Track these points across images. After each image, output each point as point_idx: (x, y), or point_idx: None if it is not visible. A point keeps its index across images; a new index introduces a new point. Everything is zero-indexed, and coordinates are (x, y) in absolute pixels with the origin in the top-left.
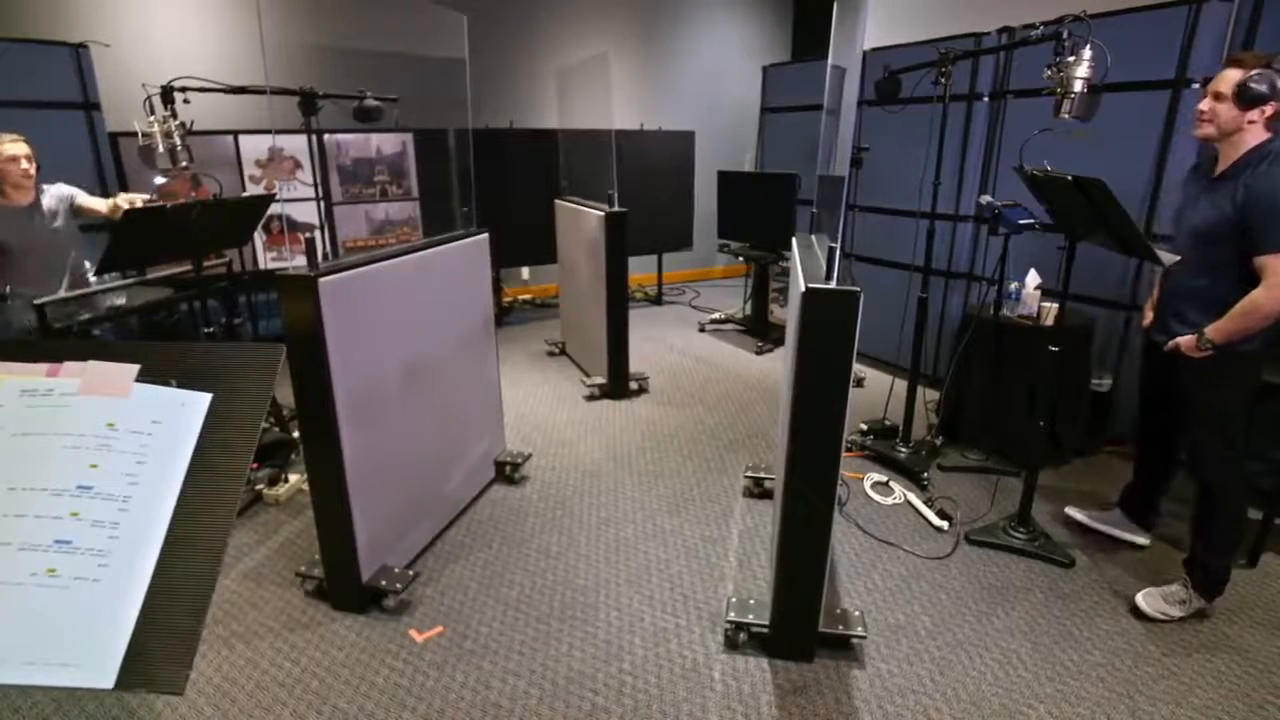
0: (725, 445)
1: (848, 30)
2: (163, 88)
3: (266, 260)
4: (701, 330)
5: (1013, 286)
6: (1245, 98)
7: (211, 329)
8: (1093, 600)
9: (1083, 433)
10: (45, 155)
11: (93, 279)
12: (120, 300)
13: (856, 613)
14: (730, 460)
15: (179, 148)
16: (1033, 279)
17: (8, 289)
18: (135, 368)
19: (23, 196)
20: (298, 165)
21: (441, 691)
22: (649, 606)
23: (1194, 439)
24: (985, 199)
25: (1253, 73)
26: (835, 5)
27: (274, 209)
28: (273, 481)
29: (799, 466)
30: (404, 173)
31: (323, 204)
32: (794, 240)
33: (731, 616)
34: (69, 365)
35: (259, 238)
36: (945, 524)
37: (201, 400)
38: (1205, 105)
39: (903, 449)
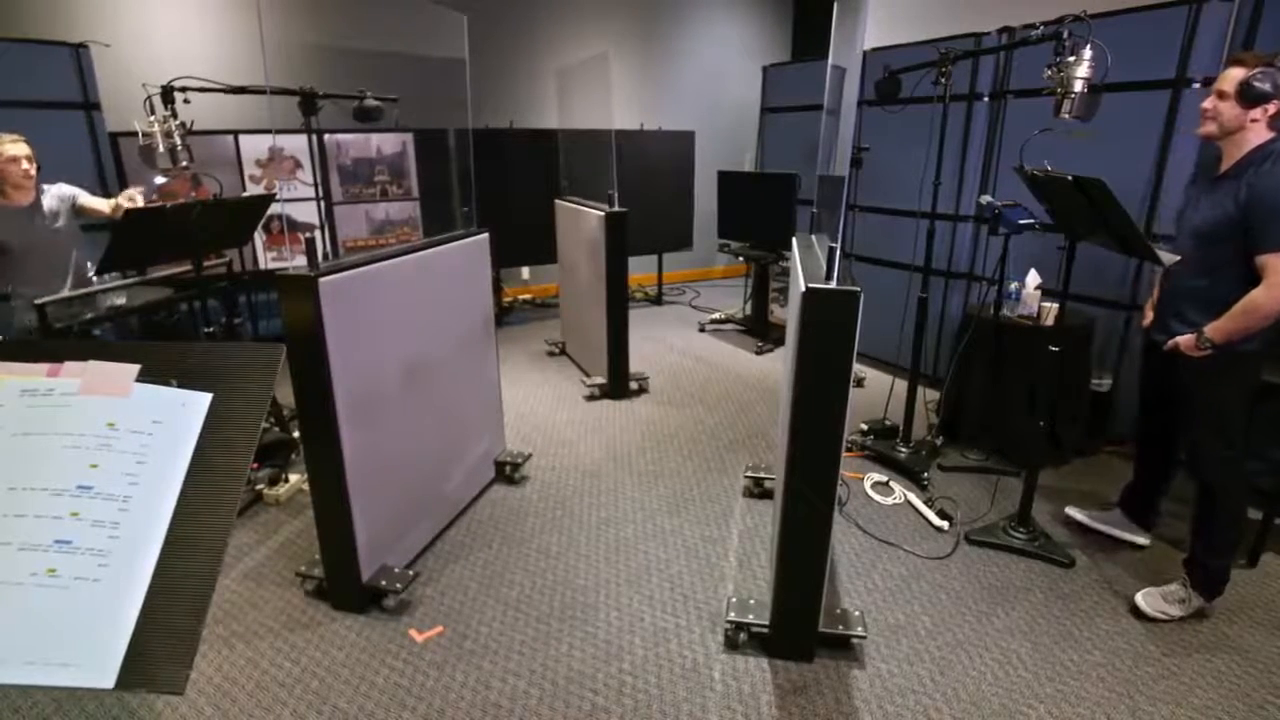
0: (725, 445)
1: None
2: (163, 87)
3: (267, 260)
4: (701, 330)
5: (1013, 286)
6: (1248, 96)
7: (212, 329)
8: (1093, 600)
9: (1083, 433)
10: (46, 155)
11: (94, 279)
12: (121, 300)
13: (856, 613)
14: (730, 460)
15: (179, 147)
16: (1033, 279)
17: (10, 289)
18: (136, 368)
19: (23, 197)
20: (298, 165)
21: (441, 691)
22: (649, 606)
23: (1194, 439)
24: (985, 199)
25: (1255, 71)
26: (835, 5)
27: (274, 209)
28: (273, 481)
29: (799, 466)
30: (404, 173)
31: (323, 204)
32: (794, 240)
33: (731, 616)
34: (69, 365)
35: (259, 238)
36: (945, 524)
37: (202, 400)
38: (1208, 104)
39: (903, 449)
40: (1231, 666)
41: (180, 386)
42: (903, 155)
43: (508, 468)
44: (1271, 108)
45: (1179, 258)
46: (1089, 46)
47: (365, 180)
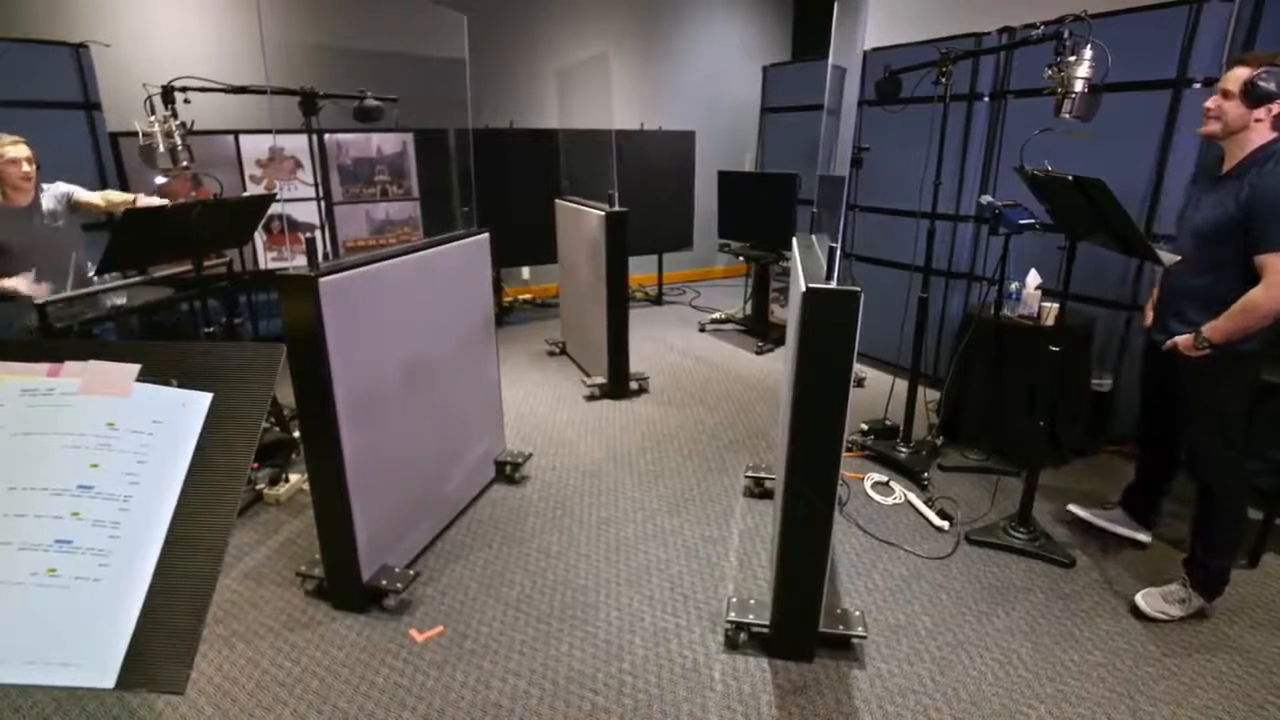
0: (725, 445)
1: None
2: (163, 87)
3: (267, 260)
4: (702, 330)
5: (1013, 286)
6: (1253, 95)
7: (212, 329)
8: (1093, 600)
9: (1083, 433)
10: (46, 155)
11: (94, 279)
12: (121, 300)
13: (857, 613)
14: (730, 460)
15: (179, 147)
16: (1033, 279)
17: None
18: (136, 367)
19: (23, 198)
20: (298, 165)
21: (442, 691)
22: (649, 606)
23: (1193, 439)
24: (986, 199)
25: (1260, 70)
26: (835, 5)
27: (274, 209)
28: (273, 481)
29: (799, 466)
30: (404, 172)
31: (323, 204)
32: (794, 240)
33: (732, 616)
34: (70, 365)
35: (259, 237)
36: (946, 524)
37: (202, 400)
38: (1212, 103)
39: (903, 449)
40: (1232, 667)
41: (181, 386)
42: (903, 155)
43: (508, 467)
44: (1275, 107)
45: (1179, 258)
46: (1089, 46)
47: (365, 180)
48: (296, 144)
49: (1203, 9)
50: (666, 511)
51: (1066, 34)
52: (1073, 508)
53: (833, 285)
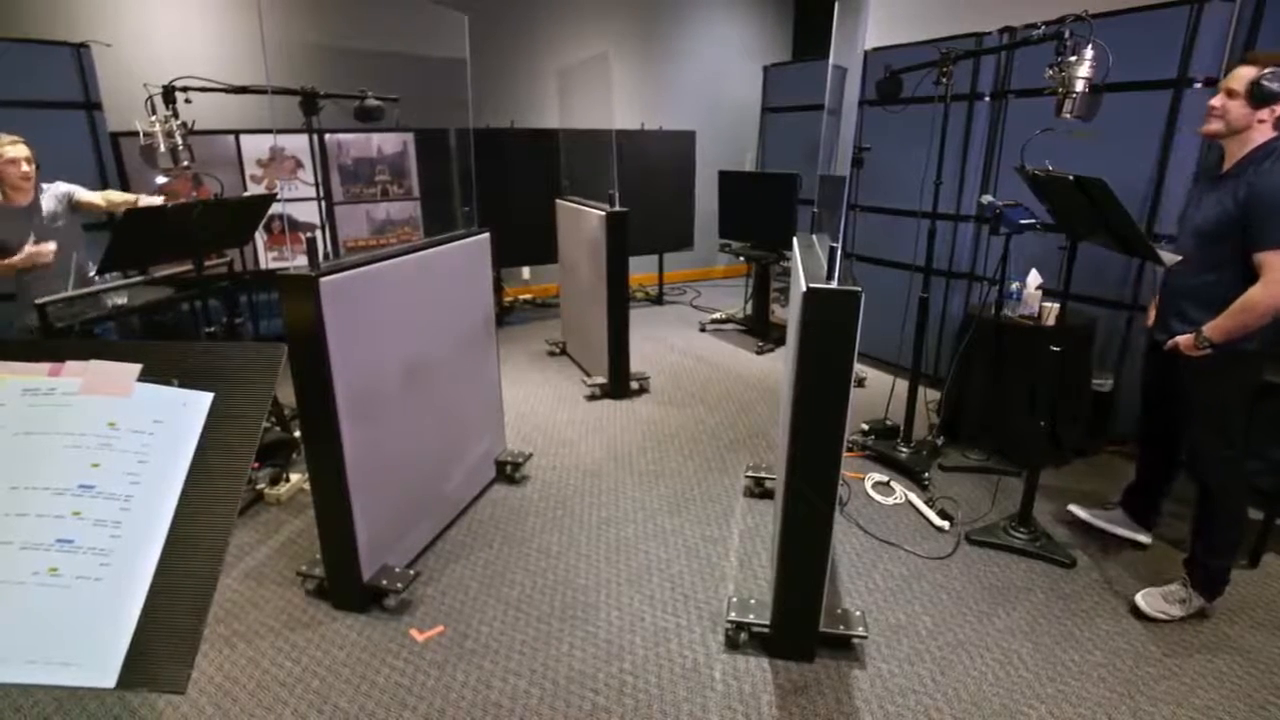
0: (726, 445)
1: (849, 30)
2: (164, 87)
3: (268, 260)
4: (702, 330)
5: (1014, 286)
6: (1258, 95)
7: (213, 328)
8: (1094, 600)
9: (1084, 433)
10: (47, 155)
11: (94, 279)
12: (122, 300)
13: (857, 613)
14: (731, 460)
15: (180, 147)
16: (1034, 279)
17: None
18: (137, 367)
19: (22, 198)
20: (299, 165)
21: (442, 691)
22: (650, 606)
23: (1194, 439)
24: (986, 199)
25: (1266, 71)
26: (836, 5)
27: (275, 209)
28: (274, 481)
29: (800, 466)
30: (405, 172)
31: (324, 204)
32: (795, 240)
33: (732, 616)
34: (71, 365)
35: (260, 237)
36: (946, 524)
37: (203, 400)
38: (1217, 101)
39: (904, 449)
40: (1233, 667)
41: (181, 386)
42: (904, 155)
43: (508, 467)
44: (1279, 108)
45: (1180, 258)
46: (1090, 46)
47: (366, 180)
48: (297, 144)
49: (1204, 9)
50: (667, 511)
51: (1067, 34)
52: (1073, 508)
53: (833, 285)
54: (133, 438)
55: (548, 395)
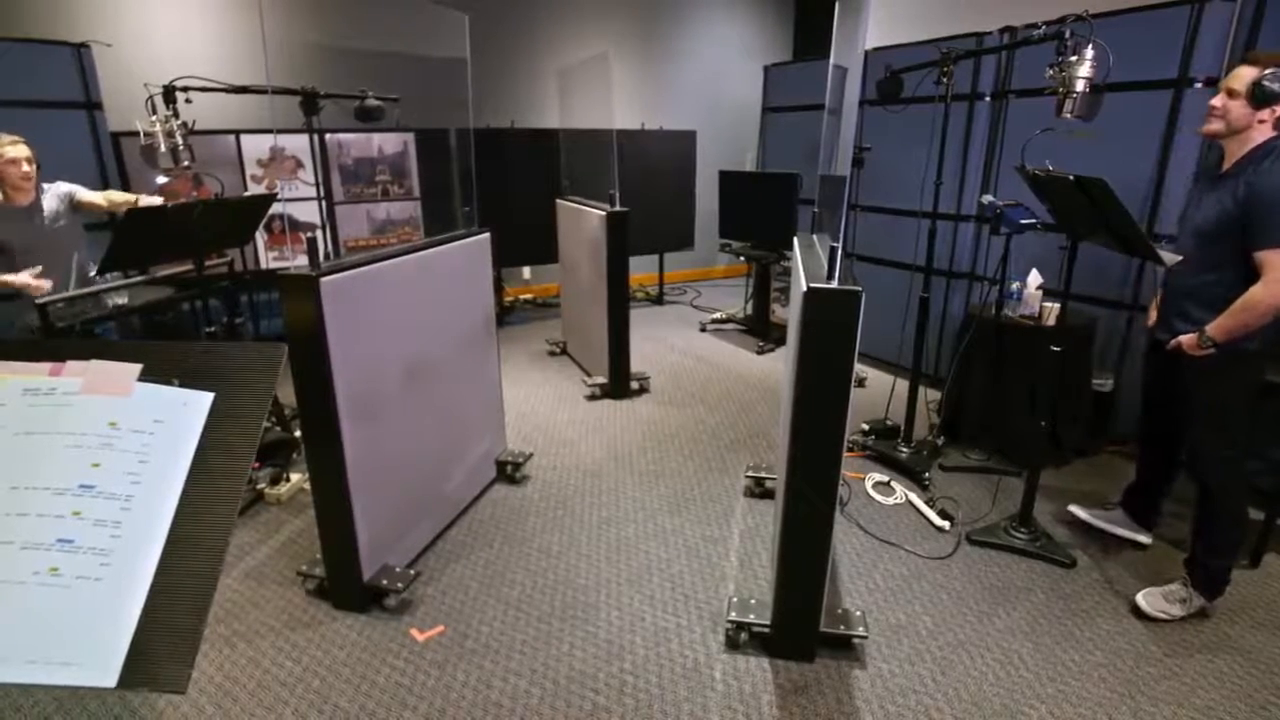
0: (726, 445)
1: (849, 30)
2: (165, 87)
3: (268, 260)
4: (702, 330)
5: (1014, 286)
6: (1259, 96)
7: (213, 328)
8: (1094, 600)
9: (1084, 433)
10: (47, 155)
11: (95, 279)
12: (122, 300)
13: (858, 613)
14: (731, 460)
15: (181, 147)
16: (1034, 279)
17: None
18: (137, 367)
19: (23, 198)
20: (299, 165)
21: (443, 691)
22: (650, 606)
23: (1195, 439)
24: (987, 199)
25: (1267, 71)
26: (837, 5)
27: (275, 208)
28: (274, 481)
29: (800, 466)
30: (405, 172)
31: (324, 203)
32: (795, 240)
33: (733, 616)
34: (71, 364)
35: (261, 237)
36: (947, 524)
37: (203, 399)
38: (1218, 101)
39: (904, 449)
40: (1234, 667)
41: (182, 386)
42: (904, 155)
43: (509, 467)
44: (1279, 109)
45: (1180, 257)
46: (1091, 46)
47: (366, 180)
48: (297, 144)
49: (1204, 9)
50: (667, 511)
51: (1068, 34)
52: (1073, 509)
53: (834, 285)
54: (133, 437)
55: (548, 395)
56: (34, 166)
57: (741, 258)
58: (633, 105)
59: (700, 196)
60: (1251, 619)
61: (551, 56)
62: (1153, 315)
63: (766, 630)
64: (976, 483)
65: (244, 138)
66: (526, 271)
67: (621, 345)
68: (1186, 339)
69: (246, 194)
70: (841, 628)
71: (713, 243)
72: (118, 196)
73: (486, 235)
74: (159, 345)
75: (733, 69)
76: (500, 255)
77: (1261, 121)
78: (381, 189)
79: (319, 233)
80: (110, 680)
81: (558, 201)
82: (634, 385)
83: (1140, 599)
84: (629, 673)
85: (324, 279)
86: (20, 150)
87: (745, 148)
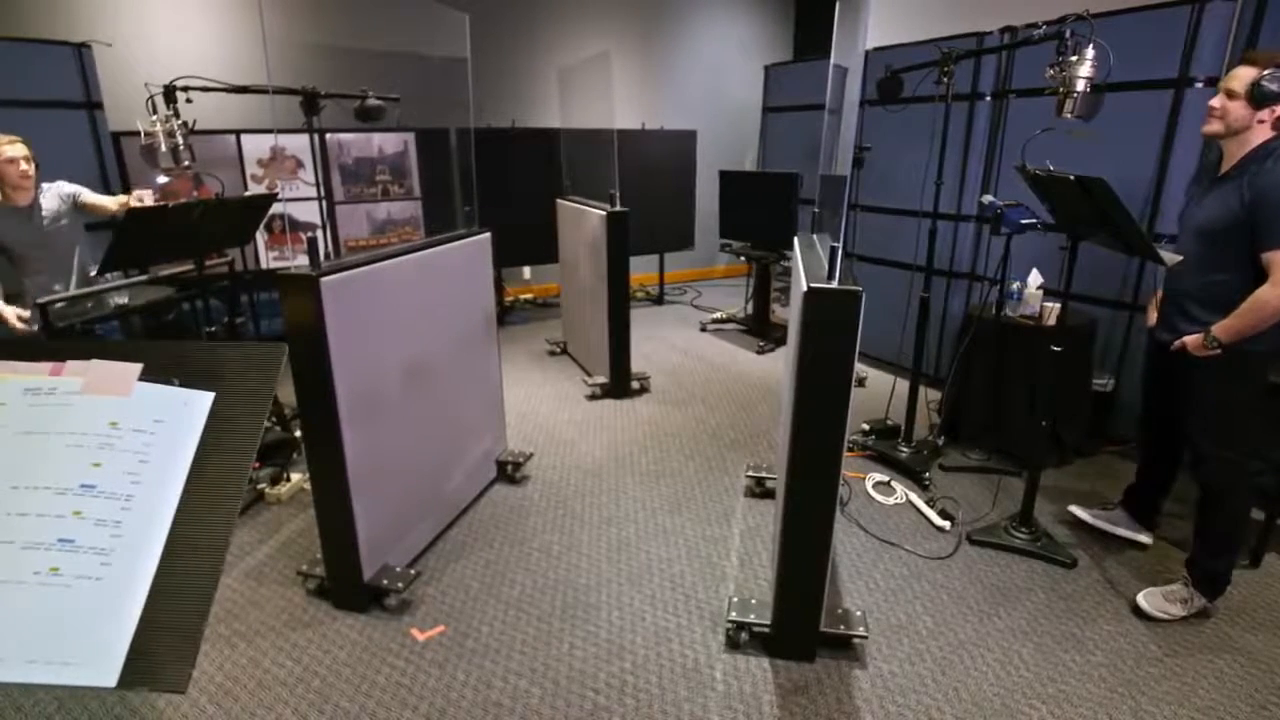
0: (727, 445)
1: (850, 30)
2: (165, 87)
3: (268, 259)
4: (703, 330)
5: (1014, 286)
6: (1258, 96)
7: (214, 328)
8: (1095, 600)
9: (1084, 433)
10: (48, 155)
11: (95, 278)
12: (123, 299)
13: (858, 612)
14: (732, 460)
15: (181, 147)
16: (1035, 279)
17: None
18: (138, 367)
19: (22, 197)
20: (299, 164)
21: (443, 690)
22: (650, 606)
23: (1197, 439)
24: (987, 199)
25: (1266, 72)
26: (837, 5)
27: (276, 208)
28: (275, 480)
29: (801, 466)
30: (406, 172)
31: (324, 203)
32: (796, 240)
33: (733, 616)
34: (72, 364)
35: (261, 237)
36: (947, 524)
37: (204, 399)
38: (1217, 102)
39: (904, 449)
40: (1234, 667)
41: (182, 386)
42: (904, 155)
43: (509, 467)
44: (1279, 109)
45: (1181, 257)
46: (1091, 46)
47: (367, 180)
48: (298, 143)
49: (1205, 9)
50: (668, 511)
51: (1068, 33)
52: (1073, 509)
53: (834, 285)
54: (134, 437)
55: (548, 395)
56: (33, 165)
57: (742, 258)
58: (633, 105)
59: (700, 196)
60: (1252, 619)
61: (552, 56)
62: (1152, 315)
63: (767, 630)
64: (977, 483)
65: (244, 137)
66: (527, 271)
67: (622, 345)
68: (1191, 339)
69: (247, 194)
70: (842, 628)
71: (713, 243)
72: (124, 200)
73: (487, 235)
74: (159, 345)
75: (733, 69)
76: (500, 255)
77: (1261, 122)
78: (382, 189)
79: (319, 232)
80: (110, 680)
81: (558, 201)
82: (634, 385)
83: (1141, 599)
84: (629, 672)
85: (324, 279)
86: (18, 149)
87: (746, 147)
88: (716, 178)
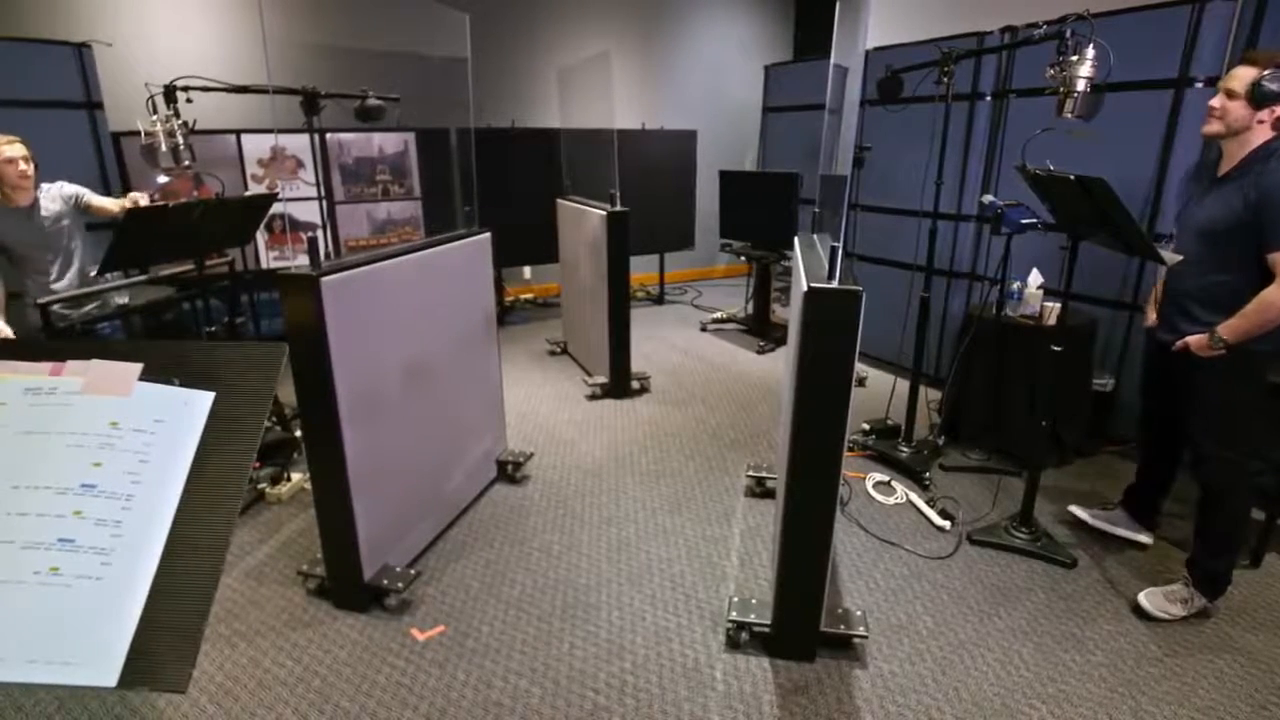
0: (727, 444)
1: (850, 29)
2: (165, 87)
3: (269, 259)
4: (703, 330)
5: (1015, 286)
6: (1258, 96)
7: (214, 328)
8: (1095, 600)
9: (1084, 433)
10: (48, 155)
11: (95, 278)
12: (123, 299)
13: (858, 612)
14: (732, 459)
15: (181, 147)
16: (1035, 279)
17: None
18: (138, 366)
19: (22, 197)
20: (300, 164)
21: (443, 690)
22: (651, 606)
23: (1198, 439)
24: (987, 198)
25: (1266, 72)
26: (837, 5)
27: (276, 208)
28: (275, 480)
29: (801, 466)
30: (406, 172)
31: (324, 203)
32: (796, 240)
33: (733, 616)
34: (72, 364)
35: (261, 237)
36: (947, 524)
37: (204, 399)
38: (1217, 102)
39: (905, 449)
40: (1234, 667)
41: (183, 385)
42: (905, 155)
43: (509, 467)
44: (1279, 109)
45: (1181, 257)
46: (1091, 46)
47: (367, 180)
48: (298, 143)
49: (1205, 9)
50: (668, 511)
51: (1069, 33)
52: (1073, 509)
53: (834, 285)
54: (134, 437)
55: (549, 395)
56: (31, 166)
57: (742, 257)
58: (633, 105)
59: (700, 196)
60: (1252, 619)
61: (552, 56)
62: (1151, 315)
63: (767, 630)
64: (977, 482)
65: (244, 137)
66: (527, 271)
67: (622, 345)
68: (1195, 340)
69: (247, 194)
70: (842, 627)
71: (713, 242)
72: (125, 202)
73: (487, 235)
74: (159, 345)
75: (733, 69)
76: (501, 255)
77: (1261, 122)
78: (382, 189)
79: (319, 232)
80: (111, 680)
81: (558, 201)
82: (634, 385)
83: (1142, 598)
84: (629, 672)
85: (324, 279)
86: (17, 149)
87: (746, 147)
88: (716, 178)
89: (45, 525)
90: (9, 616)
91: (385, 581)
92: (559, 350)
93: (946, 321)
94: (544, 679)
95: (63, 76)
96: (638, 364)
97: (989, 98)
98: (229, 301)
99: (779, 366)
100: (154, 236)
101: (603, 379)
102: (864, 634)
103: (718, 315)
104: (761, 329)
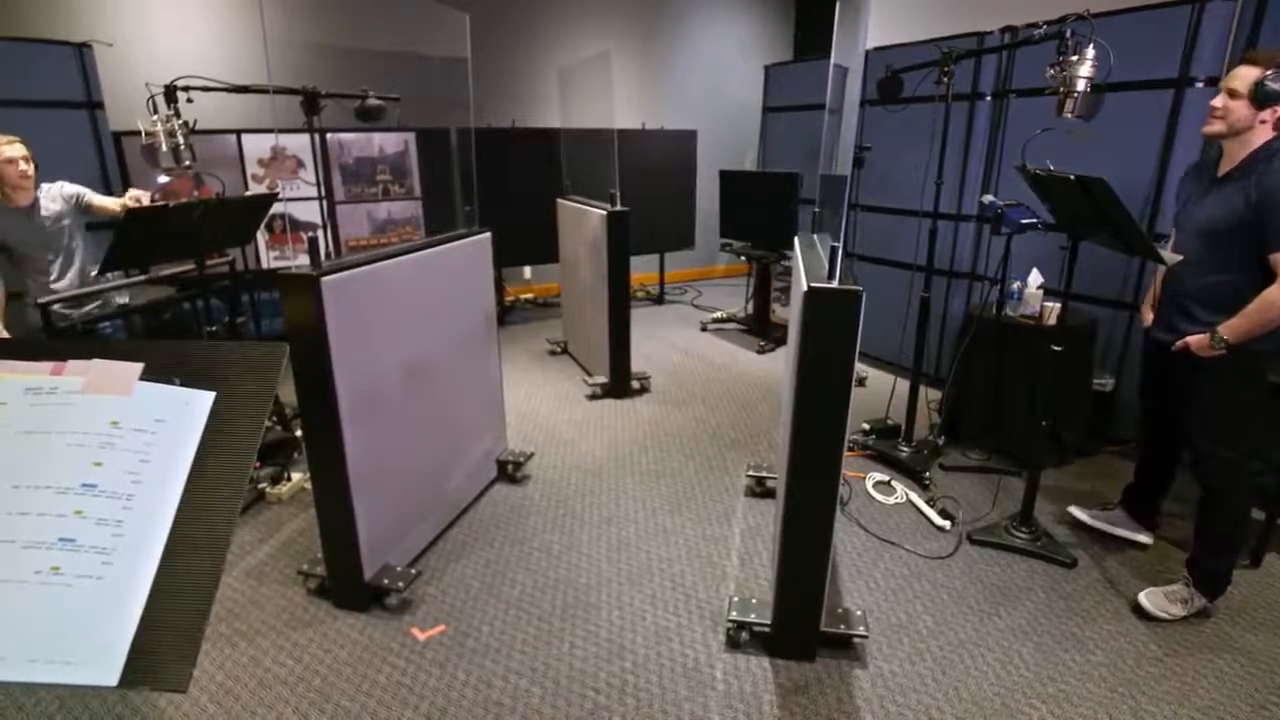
0: (727, 444)
1: (850, 29)
2: (166, 87)
3: (269, 259)
4: (703, 329)
5: (1015, 286)
6: (1261, 96)
7: (215, 328)
8: (1095, 600)
9: (1084, 433)
10: (49, 154)
11: (95, 277)
12: (124, 299)
13: (858, 612)
14: (732, 459)
15: (182, 147)
16: (1035, 279)
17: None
18: (139, 366)
19: (22, 197)
20: (300, 164)
21: (444, 690)
22: (651, 605)
23: (1198, 439)
24: (988, 198)
25: (1269, 72)
26: (837, 5)
27: (276, 208)
28: (275, 480)
29: (801, 466)
30: (406, 172)
31: (325, 203)
32: (796, 239)
33: (733, 615)
34: (73, 364)
35: (262, 237)
36: (947, 524)
37: (205, 399)
38: (1219, 101)
39: (905, 448)
40: (1234, 667)
41: (183, 385)
42: (905, 155)
43: (509, 467)
44: None
45: (1181, 257)
46: (1091, 46)
47: (367, 180)
48: (298, 143)
49: (1205, 9)
50: (668, 510)
51: (1069, 33)
52: (1073, 509)
53: (835, 285)
54: (135, 437)
55: (549, 395)
56: (32, 165)
57: (742, 257)
58: (633, 105)
59: (700, 196)
60: (1252, 619)
61: (552, 56)
62: (1148, 315)
63: (767, 629)
64: (977, 482)
65: (245, 137)
66: (527, 271)
67: (622, 345)
68: (1196, 340)
69: (248, 193)
70: (842, 627)
71: (713, 242)
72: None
73: (487, 235)
74: (160, 344)
75: (733, 69)
76: (501, 255)
77: (1263, 122)
78: (382, 188)
79: (320, 232)
80: (112, 679)
81: (558, 201)
82: (635, 385)
83: (1142, 598)
84: (630, 672)
85: (325, 278)
86: (17, 149)
87: (746, 147)
88: (717, 177)
89: (46, 525)
90: (10, 616)
91: (386, 581)
92: (559, 350)
93: (946, 321)
94: (544, 678)
95: (63, 76)
96: (638, 364)
97: (989, 98)
98: (229, 301)
99: (779, 366)
100: (154, 236)
101: (603, 379)
102: (864, 634)
103: (718, 315)
104: (761, 329)
